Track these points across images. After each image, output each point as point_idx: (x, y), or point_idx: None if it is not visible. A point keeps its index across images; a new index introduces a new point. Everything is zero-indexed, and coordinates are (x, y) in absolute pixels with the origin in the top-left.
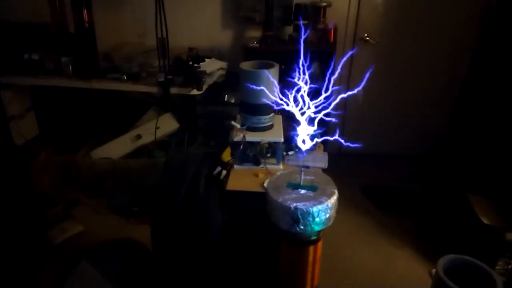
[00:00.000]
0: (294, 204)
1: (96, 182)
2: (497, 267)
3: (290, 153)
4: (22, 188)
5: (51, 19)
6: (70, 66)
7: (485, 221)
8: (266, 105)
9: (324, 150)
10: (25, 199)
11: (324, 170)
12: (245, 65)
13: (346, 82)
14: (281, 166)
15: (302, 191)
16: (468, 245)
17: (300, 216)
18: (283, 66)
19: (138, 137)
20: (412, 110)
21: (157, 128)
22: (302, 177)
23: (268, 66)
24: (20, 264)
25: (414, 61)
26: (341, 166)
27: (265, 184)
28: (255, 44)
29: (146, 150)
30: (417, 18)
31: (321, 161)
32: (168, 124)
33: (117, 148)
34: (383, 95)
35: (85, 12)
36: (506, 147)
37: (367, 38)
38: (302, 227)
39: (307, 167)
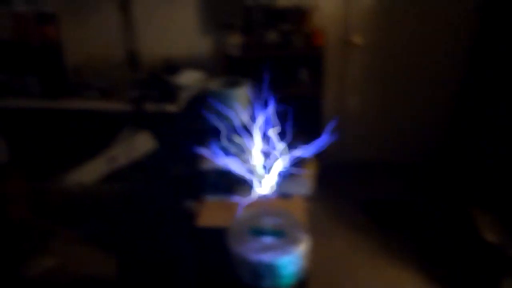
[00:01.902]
0: (256, 256)
1: (71, 210)
2: None
3: None
4: None
5: (15, 36)
6: (38, 86)
7: (488, 237)
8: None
9: (321, 161)
10: None
11: (320, 185)
12: (213, 85)
13: (339, 91)
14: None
15: (267, 238)
16: (472, 263)
17: (264, 271)
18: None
19: (113, 158)
20: (411, 115)
21: (132, 148)
22: (267, 220)
23: (237, 84)
24: None
25: (409, 64)
26: (338, 180)
27: (228, 232)
28: (236, 51)
29: (122, 172)
30: (408, 18)
31: (303, 187)
32: (145, 143)
33: (91, 171)
34: (379, 102)
35: (50, 27)
36: None
37: (357, 42)
38: (268, 283)
39: (289, 195)
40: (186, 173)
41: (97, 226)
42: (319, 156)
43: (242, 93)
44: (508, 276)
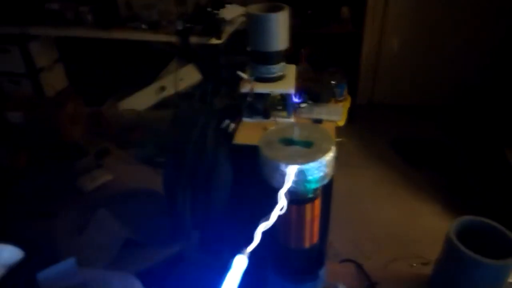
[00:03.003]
0: (285, 161)
1: (124, 133)
2: None
3: (303, 105)
4: (54, 138)
5: None
6: (90, 16)
7: None
8: (276, 53)
9: (354, 100)
10: (57, 148)
11: (352, 123)
12: (252, 9)
13: (379, 30)
14: (292, 119)
15: (296, 147)
16: (502, 201)
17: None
18: (309, 11)
19: (163, 88)
20: (449, 57)
21: (180, 79)
22: (297, 131)
23: (278, 9)
24: (51, 210)
25: (450, 7)
26: (371, 118)
27: (259, 139)
28: None
29: (170, 101)
30: None
31: (336, 114)
32: (191, 75)
33: (143, 99)
34: (418, 44)
35: None
36: None
37: None
38: (294, 186)
39: (320, 120)
40: (227, 100)
41: (148, 147)
42: (354, 93)
43: (283, 18)
44: None
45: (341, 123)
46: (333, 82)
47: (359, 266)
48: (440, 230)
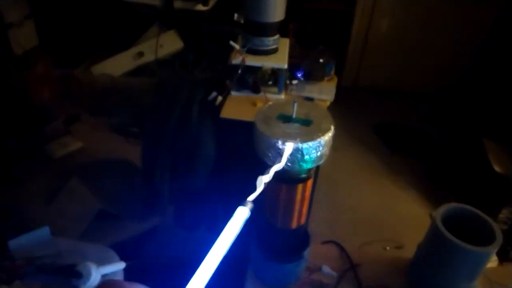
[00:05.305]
0: (282, 139)
1: (97, 99)
2: (500, 215)
3: (294, 82)
4: (21, 100)
5: None
6: None
7: (497, 168)
8: (272, 24)
9: (339, 81)
10: (24, 111)
11: (335, 104)
12: None
13: (370, 10)
14: (282, 96)
15: (294, 125)
16: (476, 190)
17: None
18: None
19: (140, 54)
20: (436, 45)
21: (160, 46)
22: (296, 109)
23: None
24: (17, 176)
25: None
26: (354, 101)
27: (255, 114)
28: None
29: (148, 68)
30: None
31: (328, 93)
32: (172, 42)
33: (119, 64)
34: (407, 29)
35: None
36: None
37: None
38: (289, 164)
39: (311, 99)
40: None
41: (122, 115)
42: (340, 74)
43: None
44: (509, 205)
45: (328, 103)
46: (321, 60)
47: (341, 248)
48: (415, 217)
